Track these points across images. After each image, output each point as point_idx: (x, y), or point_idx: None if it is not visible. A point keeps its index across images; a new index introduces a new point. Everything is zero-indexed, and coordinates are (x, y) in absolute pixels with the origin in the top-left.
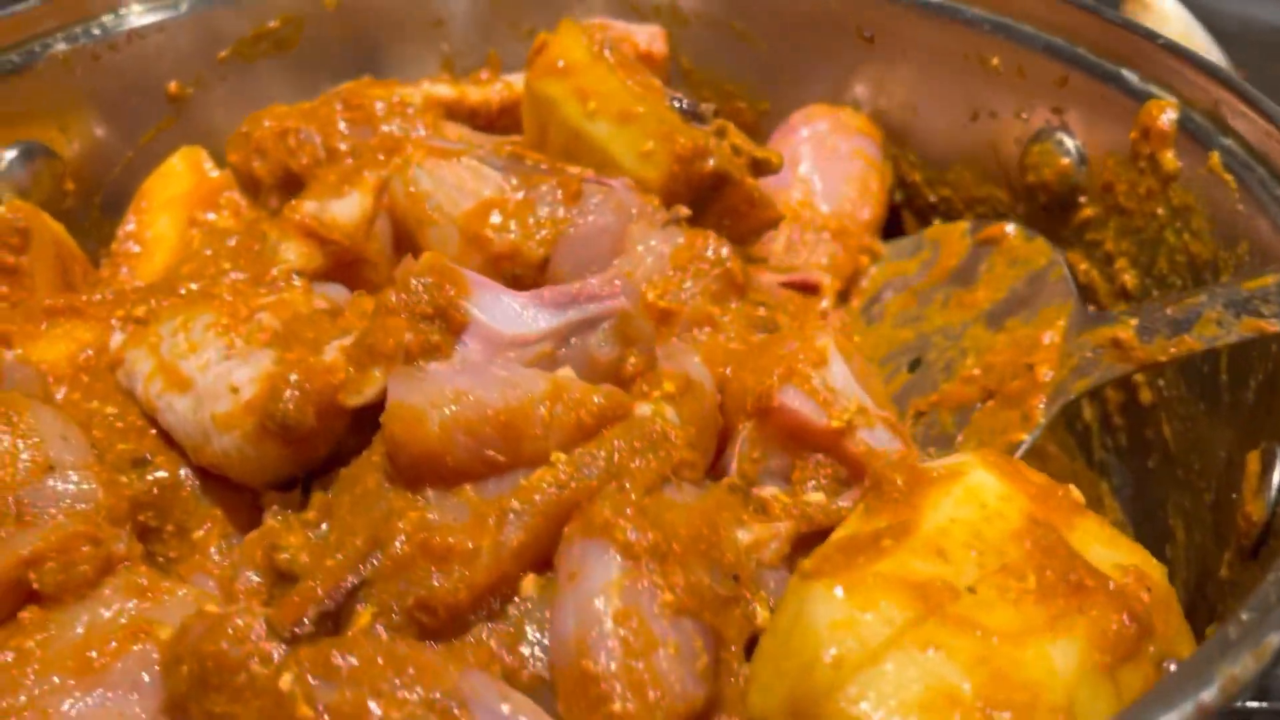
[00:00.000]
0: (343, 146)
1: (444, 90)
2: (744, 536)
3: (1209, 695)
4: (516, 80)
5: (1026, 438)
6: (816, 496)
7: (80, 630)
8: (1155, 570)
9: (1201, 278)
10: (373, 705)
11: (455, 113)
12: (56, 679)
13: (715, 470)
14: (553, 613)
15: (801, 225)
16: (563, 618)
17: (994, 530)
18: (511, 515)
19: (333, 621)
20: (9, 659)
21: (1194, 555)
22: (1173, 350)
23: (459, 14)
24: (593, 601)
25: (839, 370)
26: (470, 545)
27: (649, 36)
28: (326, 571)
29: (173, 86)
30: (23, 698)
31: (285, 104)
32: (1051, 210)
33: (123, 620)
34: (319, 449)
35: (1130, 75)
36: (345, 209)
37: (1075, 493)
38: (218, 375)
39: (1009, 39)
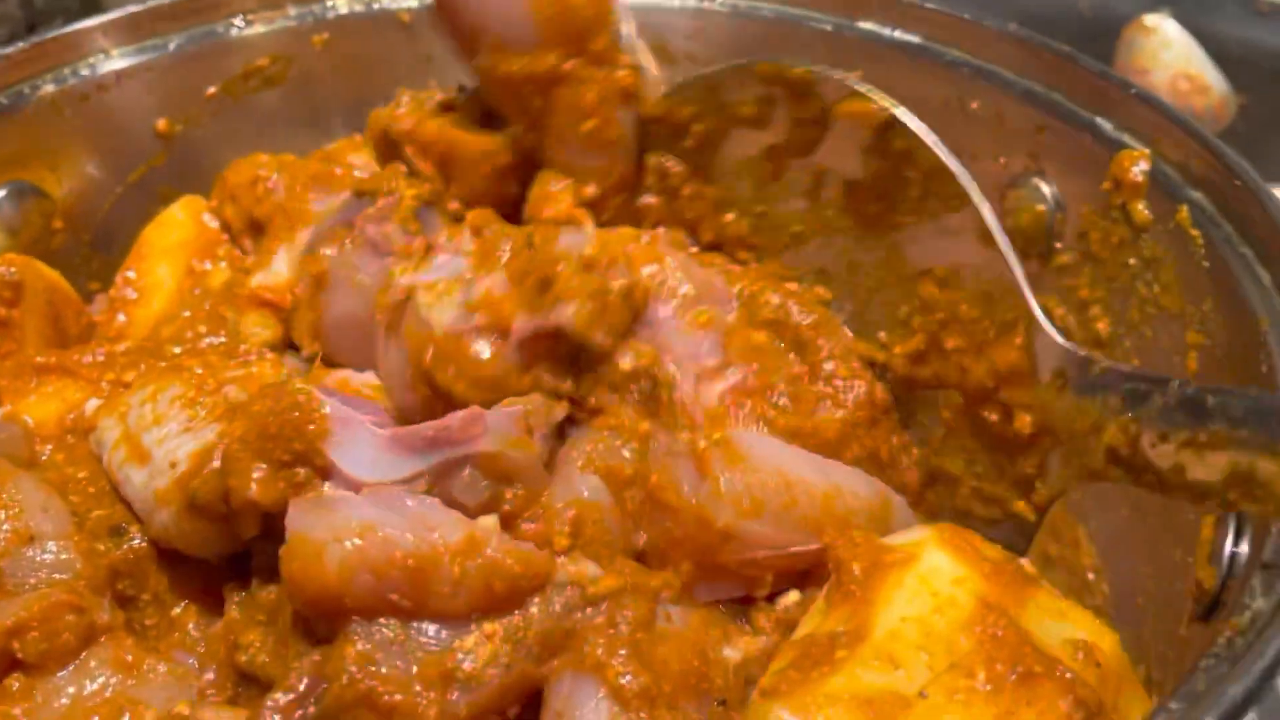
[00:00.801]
0: (311, 205)
1: None
2: (732, 655)
3: None
4: None
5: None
6: (793, 596)
7: (65, 701)
8: (1106, 640)
9: (1171, 330)
10: None
11: None
12: None
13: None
14: None
15: None
16: None
17: (945, 621)
18: (457, 689)
19: None
20: None
21: (1162, 609)
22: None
23: (446, 50)
24: None
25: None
26: (419, 709)
27: None
28: (282, 712)
29: (161, 124)
30: None
31: (274, 140)
32: (1029, 255)
33: (107, 694)
34: (248, 527)
35: (1104, 124)
36: (282, 268)
37: (1028, 566)
38: (168, 450)
39: (989, 83)
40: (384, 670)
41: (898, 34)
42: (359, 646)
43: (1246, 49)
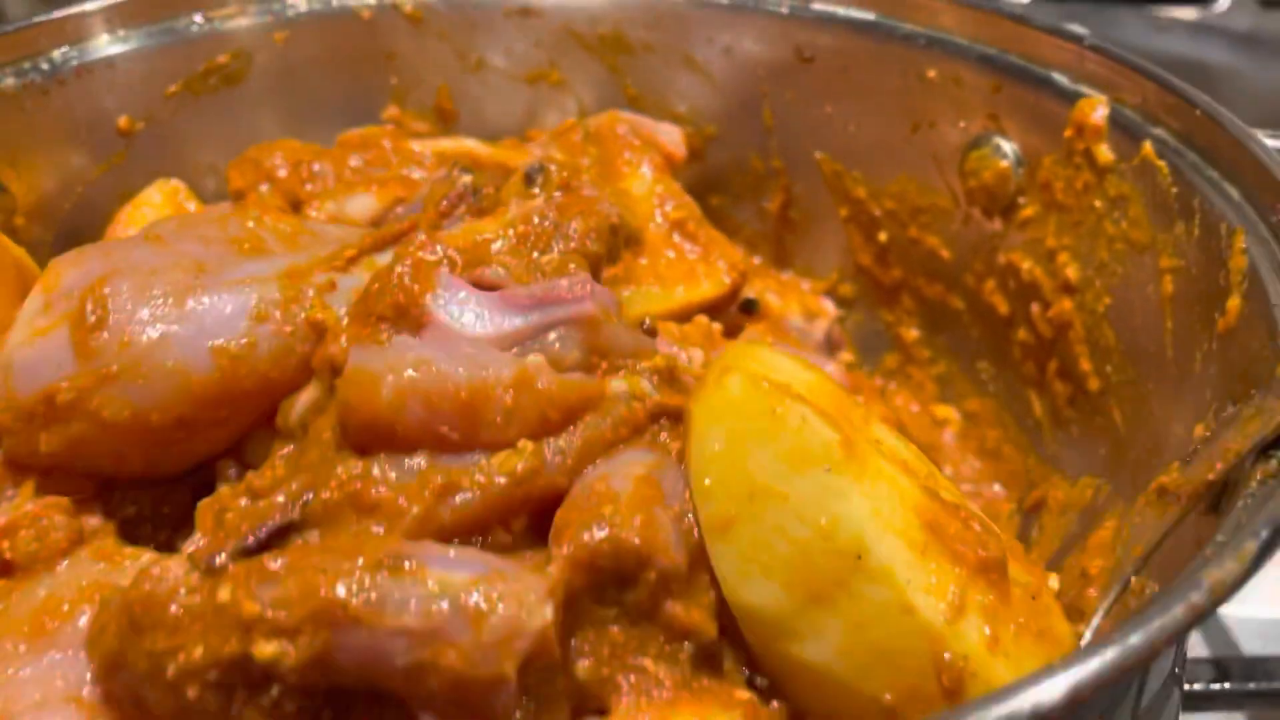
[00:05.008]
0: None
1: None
2: None
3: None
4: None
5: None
6: None
7: (41, 594)
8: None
9: (1142, 261)
10: (319, 581)
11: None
12: (9, 645)
13: None
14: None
15: None
16: (594, 470)
17: None
18: (458, 494)
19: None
20: None
21: (1140, 525)
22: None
23: (408, 47)
24: (627, 462)
25: None
26: (401, 503)
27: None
28: (255, 511)
29: (123, 121)
30: None
31: (236, 138)
32: (992, 213)
33: (84, 583)
34: None
35: (1060, 77)
36: (359, 206)
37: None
38: None
39: (944, 52)
40: (375, 477)
41: (852, 12)
42: (361, 464)
43: (1149, 56)
